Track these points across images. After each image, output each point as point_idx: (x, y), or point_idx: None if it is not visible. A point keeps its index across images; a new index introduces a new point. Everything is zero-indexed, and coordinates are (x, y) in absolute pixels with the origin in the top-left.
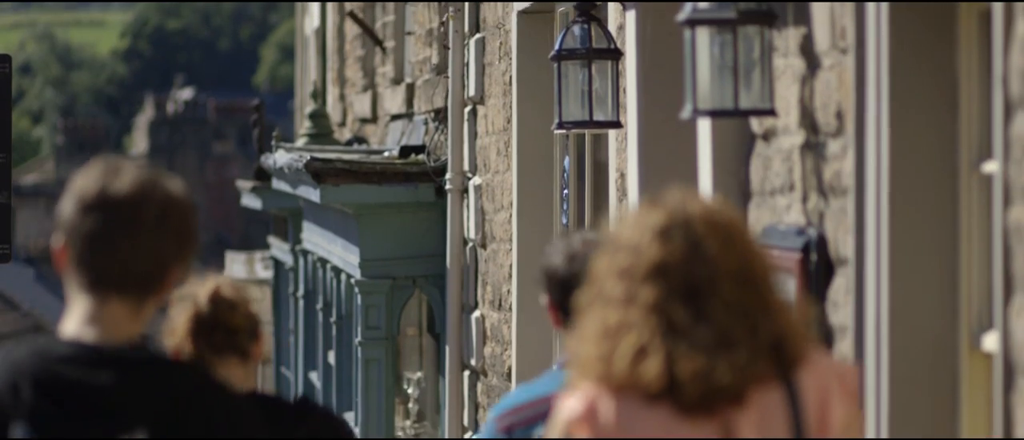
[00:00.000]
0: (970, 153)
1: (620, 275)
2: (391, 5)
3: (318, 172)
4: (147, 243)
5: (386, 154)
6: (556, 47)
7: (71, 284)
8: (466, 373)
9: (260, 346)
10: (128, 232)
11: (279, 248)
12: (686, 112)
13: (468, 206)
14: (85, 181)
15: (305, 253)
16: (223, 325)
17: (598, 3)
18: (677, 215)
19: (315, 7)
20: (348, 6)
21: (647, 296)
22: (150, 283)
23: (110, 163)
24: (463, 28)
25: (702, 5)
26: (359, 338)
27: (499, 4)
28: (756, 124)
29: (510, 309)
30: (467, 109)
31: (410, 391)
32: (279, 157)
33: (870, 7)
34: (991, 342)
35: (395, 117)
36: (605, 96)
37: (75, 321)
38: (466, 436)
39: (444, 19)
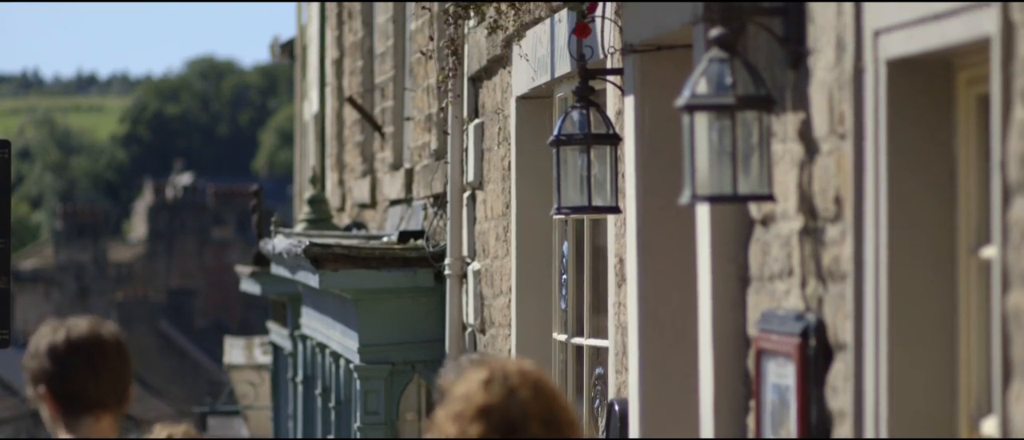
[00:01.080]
0: (968, 238)
1: (454, 418)
2: (390, 90)
3: (317, 257)
4: (116, 368)
5: (385, 239)
6: (555, 132)
7: (59, 418)
8: None
9: None
10: (103, 363)
11: (278, 333)
12: (685, 197)
13: (467, 291)
14: (48, 337)
15: (304, 338)
16: None
17: (596, 89)
18: (497, 371)
19: (314, 93)
20: (347, 92)
21: (474, 432)
22: (124, 399)
23: (57, 321)
24: (462, 113)
25: (701, 90)
26: (358, 423)
27: (498, 90)
28: (755, 209)
29: None
30: (466, 194)
31: None
32: (278, 242)
33: (868, 93)
34: (990, 427)
35: (394, 202)
36: (604, 181)
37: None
38: None
39: (443, 105)
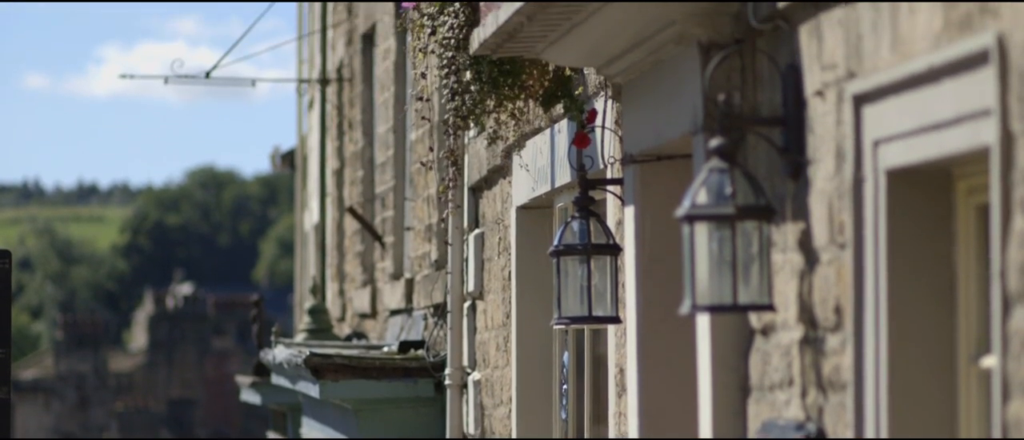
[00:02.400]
0: (969, 348)
1: None
2: (390, 200)
3: (317, 367)
4: None
5: (385, 349)
6: (555, 242)
7: None
8: None
9: None
10: None
11: None
12: (685, 307)
13: (467, 401)
14: None
15: None
16: None
17: (596, 198)
18: None
19: (315, 203)
20: (348, 202)
21: None
22: None
23: None
24: (462, 223)
25: (701, 200)
26: None
27: (498, 200)
28: (755, 319)
29: None
30: (466, 304)
31: None
32: (278, 352)
33: (868, 202)
34: None
35: (394, 312)
36: (604, 291)
37: None
38: None
39: (444, 215)
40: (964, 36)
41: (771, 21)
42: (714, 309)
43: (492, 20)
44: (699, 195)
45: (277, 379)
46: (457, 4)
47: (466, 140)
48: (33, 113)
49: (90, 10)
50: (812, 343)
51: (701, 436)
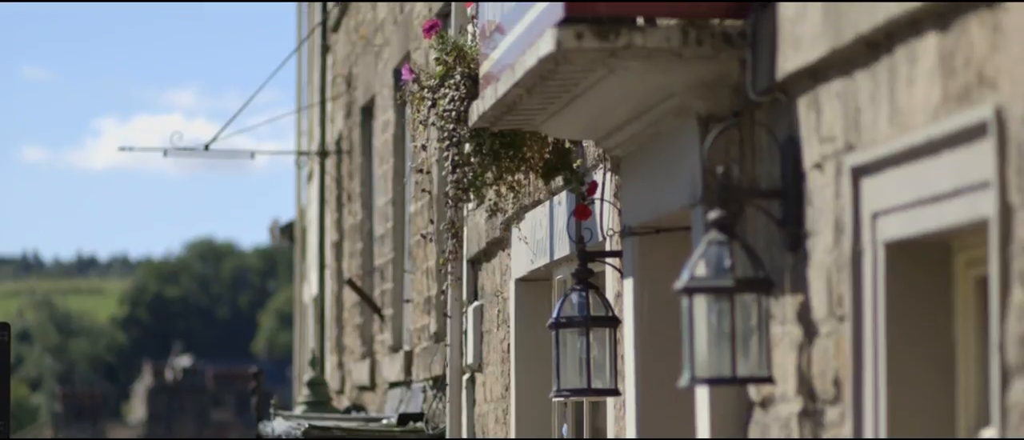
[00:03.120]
0: (967, 420)
1: None
2: (389, 273)
3: None
4: None
5: (384, 422)
6: (554, 315)
7: None
8: None
9: None
10: None
11: None
12: (684, 380)
13: None
14: None
15: None
16: None
17: (595, 271)
18: None
19: (314, 275)
20: (347, 274)
21: None
22: None
23: None
24: (462, 296)
25: (699, 273)
26: None
27: (497, 272)
28: (754, 392)
29: None
30: (465, 377)
31: None
32: (277, 425)
33: (867, 275)
34: None
35: (393, 384)
36: (603, 364)
37: None
38: None
39: (443, 287)
40: (963, 108)
41: (770, 93)
42: (713, 381)
43: (491, 93)
44: (698, 267)
45: None
46: (457, 77)
47: (465, 212)
48: (32, 185)
49: (86, 83)
50: (811, 415)
51: None
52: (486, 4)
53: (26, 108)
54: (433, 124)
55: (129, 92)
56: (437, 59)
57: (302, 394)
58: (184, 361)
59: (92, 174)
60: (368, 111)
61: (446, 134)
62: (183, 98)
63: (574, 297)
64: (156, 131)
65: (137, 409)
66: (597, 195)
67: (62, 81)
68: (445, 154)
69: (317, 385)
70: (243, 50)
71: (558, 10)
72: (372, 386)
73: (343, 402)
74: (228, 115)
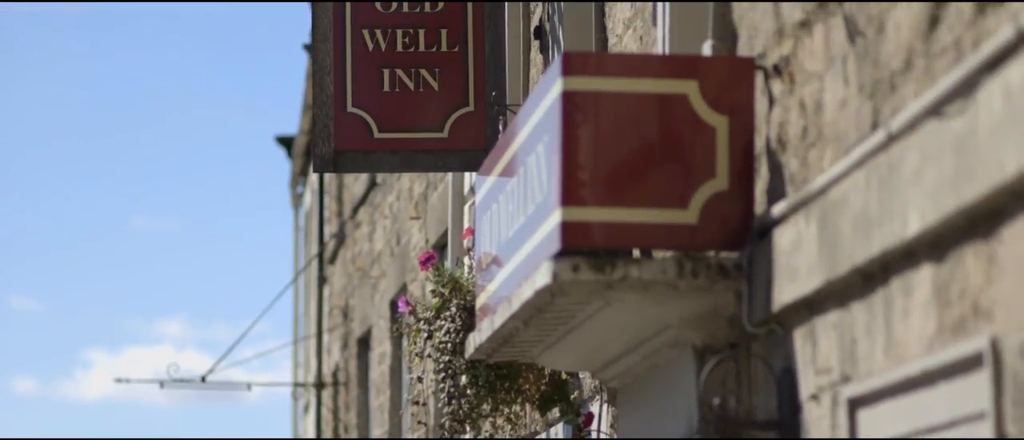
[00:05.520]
0: None
1: None
2: None
3: None
4: None
5: None
6: None
7: None
8: None
9: None
10: None
11: None
12: None
13: None
14: None
15: None
16: None
17: None
18: None
19: None
20: None
21: None
22: None
23: None
24: None
25: None
26: None
27: None
28: None
29: None
30: None
31: None
32: None
33: None
34: None
35: None
36: None
37: None
38: None
39: None
40: (958, 340)
41: (766, 325)
42: None
43: (488, 325)
44: None
45: None
46: (453, 309)
47: None
48: (24, 418)
49: (75, 314)
50: None
51: None
52: (483, 236)
53: (16, 339)
54: (429, 356)
55: (118, 323)
56: (433, 291)
57: None
58: None
59: (85, 406)
60: (365, 343)
61: (442, 366)
62: (172, 328)
63: None
64: (147, 362)
65: None
66: (593, 427)
67: (51, 312)
68: (441, 386)
69: None
70: (231, 281)
71: (554, 242)
72: None
73: None
74: (219, 345)
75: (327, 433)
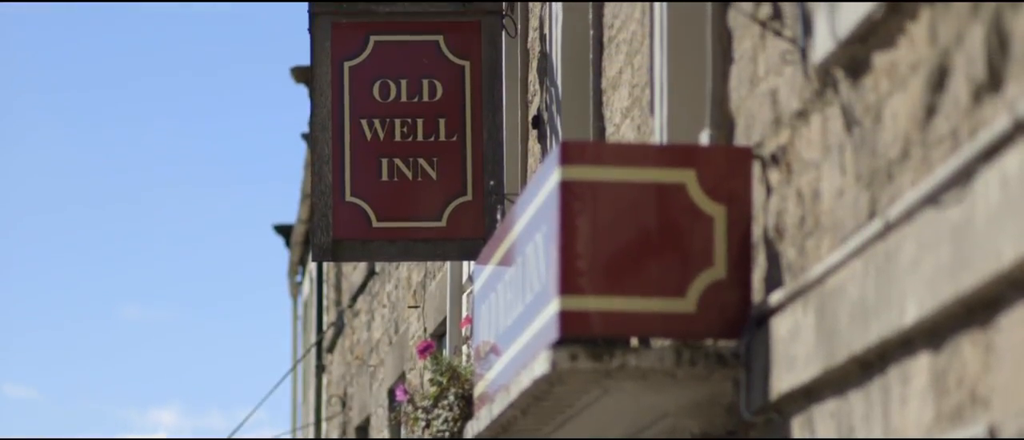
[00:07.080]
0: None
1: None
2: None
3: None
4: None
5: None
6: None
7: None
8: None
9: None
10: None
11: None
12: None
13: None
14: None
15: None
16: None
17: None
18: None
19: None
20: None
21: None
22: None
23: None
24: None
25: None
26: None
27: None
28: None
29: None
30: None
31: None
32: None
33: None
34: None
35: None
36: None
37: None
38: None
39: None
40: (956, 427)
41: (764, 414)
42: None
43: (486, 413)
44: None
45: None
46: (451, 397)
47: None
48: None
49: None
50: None
51: None
52: (481, 324)
53: (10, 427)
54: None
55: (112, 411)
56: (431, 380)
57: None
58: None
59: None
60: (363, 431)
61: None
62: (166, 417)
63: None
64: None
65: None
66: None
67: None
68: None
69: None
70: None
71: (553, 331)
72: None
73: None
74: (212, 434)
75: None
